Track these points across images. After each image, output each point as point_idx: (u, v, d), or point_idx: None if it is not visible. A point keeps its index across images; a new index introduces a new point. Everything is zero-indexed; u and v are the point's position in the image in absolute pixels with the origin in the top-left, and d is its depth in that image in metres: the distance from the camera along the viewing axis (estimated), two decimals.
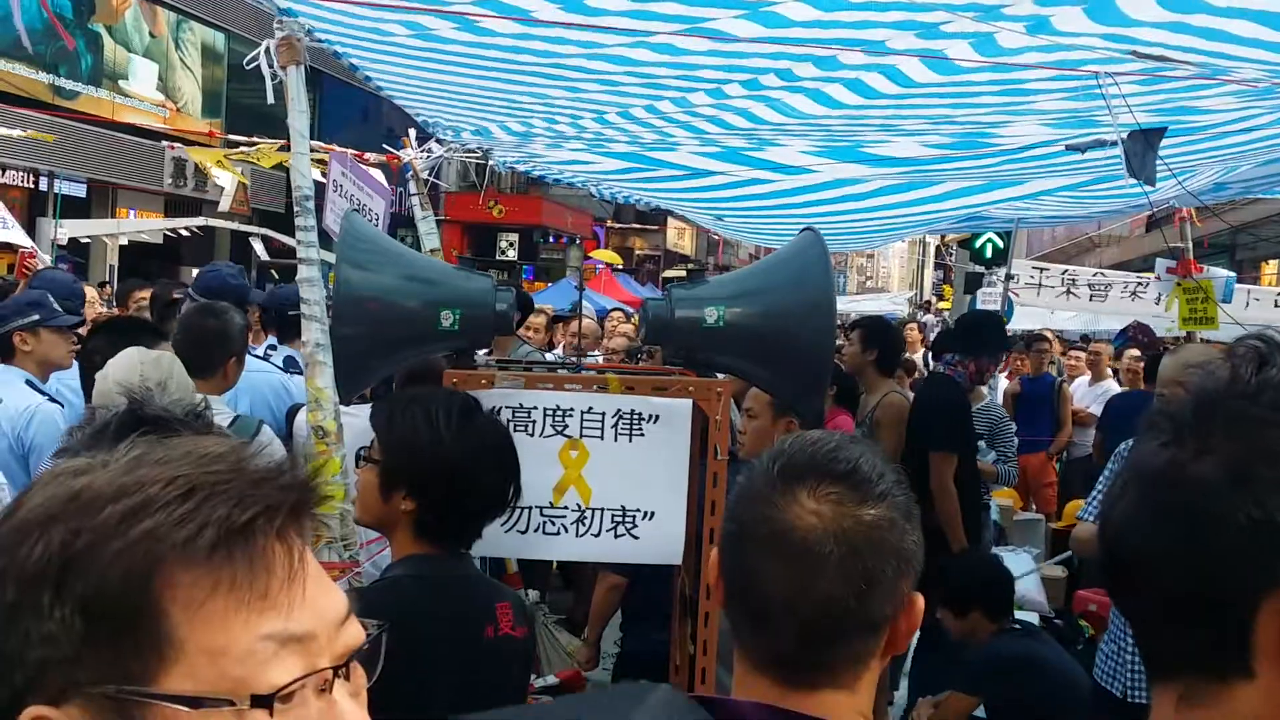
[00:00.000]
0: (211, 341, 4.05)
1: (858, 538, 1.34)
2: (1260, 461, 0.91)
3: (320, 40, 4.31)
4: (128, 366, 3.07)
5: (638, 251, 33.76)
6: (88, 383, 3.71)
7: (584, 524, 3.02)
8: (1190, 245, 9.40)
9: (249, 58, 4.37)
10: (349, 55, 4.56)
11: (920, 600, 1.42)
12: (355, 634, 0.92)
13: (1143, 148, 4.80)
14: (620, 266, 29.16)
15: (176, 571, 0.81)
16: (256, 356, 5.31)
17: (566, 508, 3.02)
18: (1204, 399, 0.97)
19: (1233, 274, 11.00)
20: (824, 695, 1.36)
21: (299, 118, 4.27)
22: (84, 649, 0.80)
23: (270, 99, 4.39)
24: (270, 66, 4.30)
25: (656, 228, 32.73)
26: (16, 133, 12.57)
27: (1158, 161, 4.88)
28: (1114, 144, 4.85)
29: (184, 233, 19.69)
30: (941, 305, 21.13)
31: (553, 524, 3.03)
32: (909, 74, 4.12)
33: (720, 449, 3.05)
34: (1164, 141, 4.82)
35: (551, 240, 30.50)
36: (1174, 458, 0.96)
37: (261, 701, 0.83)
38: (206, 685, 0.82)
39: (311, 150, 7.13)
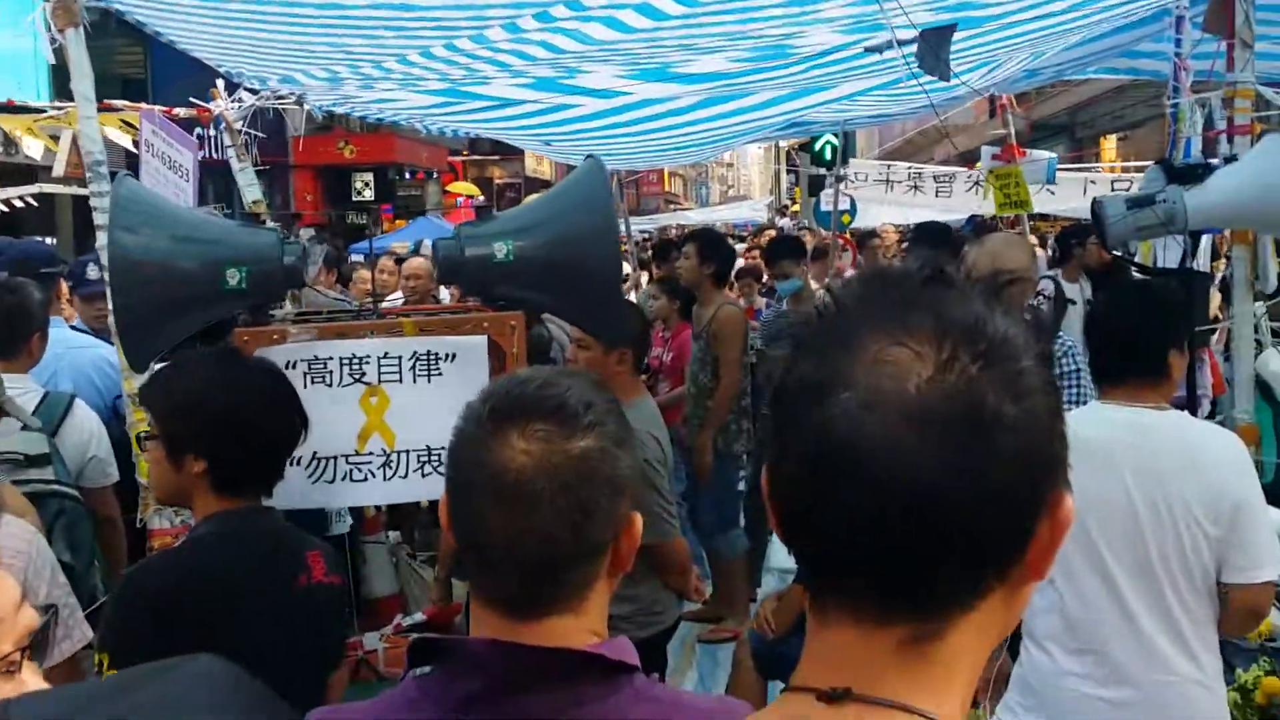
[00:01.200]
0: (11, 319, 3.97)
1: (568, 472, 1.38)
2: None
3: (100, 1, 4.19)
4: None
5: (497, 181, 33.35)
6: None
7: (390, 467, 3.08)
8: (1013, 131, 9.70)
9: (27, 20, 4.24)
10: (133, 13, 4.44)
11: (639, 519, 1.49)
12: (31, 617, 0.98)
13: (935, 45, 4.94)
14: (481, 199, 28.85)
15: None
16: (79, 330, 5.19)
17: (372, 453, 3.07)
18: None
19: (1054, 156, 11.36)
20: (552, 622, 1.41)
21: (82, 81, 4.16)
22: None
23: (50, 59, 4.27)
24: (48, 30, 4.20)
25: (514, 156, 32.38)
26: None
27: (951, 58, 5.03)
28: (911, 42, 4.98)
29: (18, 203, 18.90)
30: (794, 209, 21.43)
31: (359, 470, 3.07)
32: None
33: None
34: (958, 35, 4.96)
35: (409, 177, 29.98)
36: None
37: None
38: None
39: (119, 110, 6.96)
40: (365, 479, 3.05)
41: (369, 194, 28.87)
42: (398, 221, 25.69)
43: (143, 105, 6.53)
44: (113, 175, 4.04)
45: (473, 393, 3.00)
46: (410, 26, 4.29)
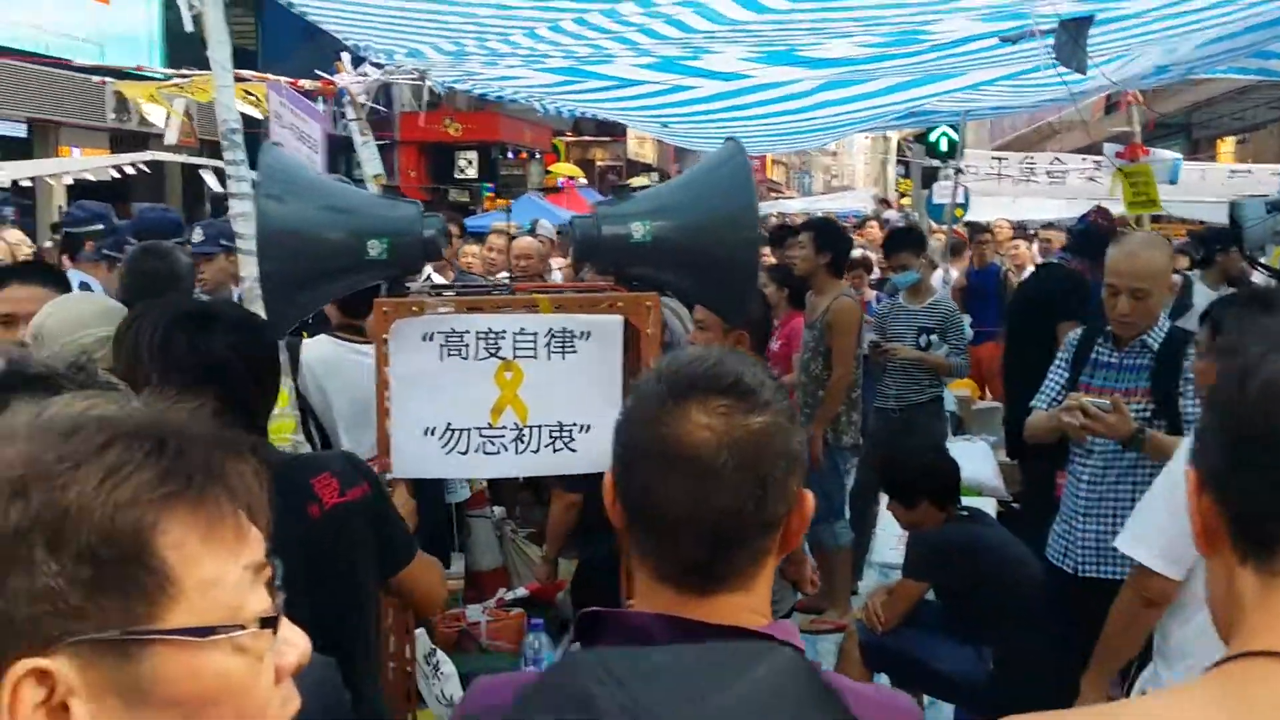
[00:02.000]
0: (159, 284, 4.03)
1: (749, 445, 1.40)
2: None
3: None
4: (75, 319, 3.01)
5: (599, 163, 33.45)
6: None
7: (523, 442, 3.07)
8: (1138, 129, 9.43)
9: None
10: None
11: (809, 496, 1.49)
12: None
13: (1071, 36, 4.81)
14: (583, 180, 28.93)
15: (163, 518, 0.87)
16: None
17: (505, 427, 3.07)
18: None
19: (1179, 156, 11.03)
20: (721, 599, 1.42)
21: (219, 49, 4.20)
22: (90, 598, 0.84)
23: (189, 27, 4.33)
24: None
25: (616, 138, 32.42)
26: None
27: (1088, 49, 4.89)
28: (1047, 34, 4.85)
29: (130, 170, 19.39)
30: (904, 201, 21.07)
31: (492, 444, 3.07)
32: None
33: (652, 363, 3.09)
34: (1095, 29, 4.82)
35: (511, 156, 30.19)
36: None
37: (268, 622, 0.92)
38: (206, 617, 0.88)
39: (244, 80, 7.07)
40: (498, 452, 3.05)
41: (472, 172, 29.15)
42: (499, 200, 25.86)
43: (268, 76, 6.64)
44: (248, 141, 4.10)
45: (607, 370, 3.02)
46: None
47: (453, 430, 3.04)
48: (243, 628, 0.90)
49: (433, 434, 3.03)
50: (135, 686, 0.86)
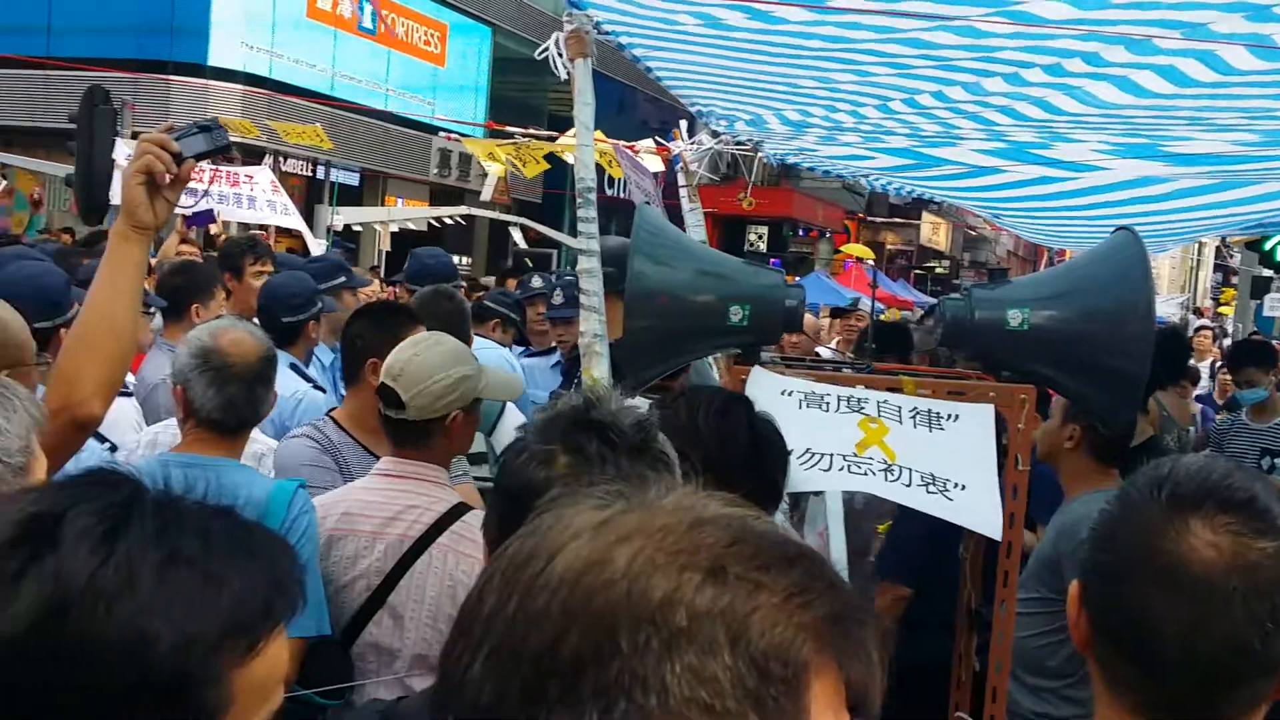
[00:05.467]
0: (452, 324, 4.12)
1: (1261, 573, 1.24)
2: None
3: (606, 33, 4.32)
4: (436, 360, 3.07)
5: (889, 246, 33.07)
6: (350, 367, 3.73)
7: (891, 474, 2.83)
8: None
9: (539, 50, 4.43)
10: (633, 47, 4.56)
11: None
12: None
13: None
14: (871, 262, 28.66)
15: (816, 662, 0.79)
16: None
17: (871, 459, 2.86)
18: None
19: None
20: None
21: (584, 110, 4.29)
22: (742, 705, 0.76)
23: (562, 76, 4.44)
24: (560, 56, 4.37)
25: (910, 222, 32.00)
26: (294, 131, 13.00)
27: None
28: None
29: (448, 221, 20.51)
30: (1222, 310, 19.76)
31: (858, 466, 2.86)
32: (1231, 61, 3.79)
33: (1022, 459, 2.88)
34: None
35: (802, 233, 30.24)
36: None
37: None
38: None
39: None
40: (865, 474, 2.84)
41: (761, 246, 29.39)
42: (787, 277, 25.89)
43: (606, 139, 6.80)
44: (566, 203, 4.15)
45: (979, 447, 2.81)
46: (913, 64, 4.14)
47: (812, 453, 2.85)
48: None
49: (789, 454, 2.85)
50: None
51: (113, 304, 2.17)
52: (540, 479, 1.60)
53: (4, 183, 15.41)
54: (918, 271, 32.82)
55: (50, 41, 18.68)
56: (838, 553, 3.21)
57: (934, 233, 33.25)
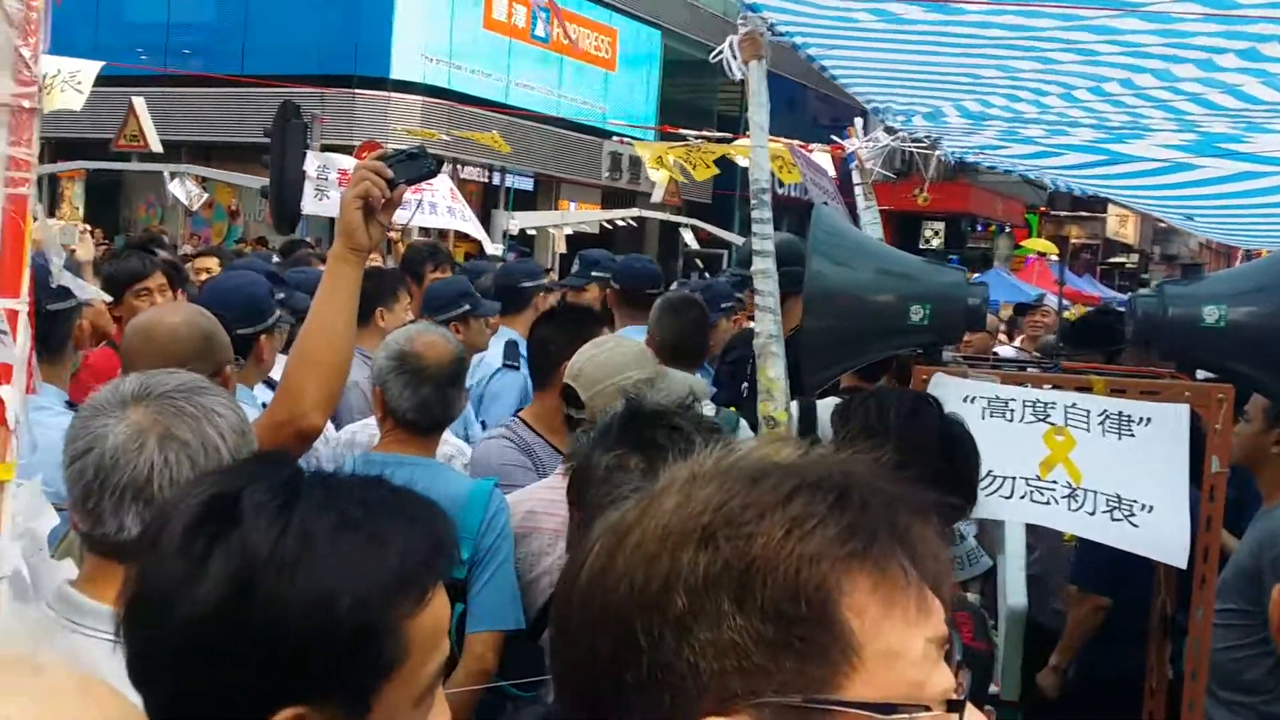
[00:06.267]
0: (699, 332, 4.24)
1: None
2: None
3: (780, 35, 4.32)
4: (614, 363, 3.13)
5: (1074, 240, 32.00)
6: (541, 369, 3.79)
7: (1075, 500, 2.80)
8: None
9: (714, 53, 4.46)
10: (807, 46, 4.54)
11: None
12: None
13: None
14: (1054, 255, 27.78)
15: (845, 580, 0.80)
16: None
17: (1055, 482, 2.82)
18: None
19: None
20: None
21: (759, 111, 4.30)
22: (772, 657, 0.79)
23: (736, 76, 4.47)
24: (734, 59, 4.40)
25: (1095, 214, 30.91)
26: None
27: None
28: None
29: (619, 223, 20.76)
30: None
31: (1040, 494, 2.82)
32: None
33: (1220, 460, 2.77)
34: None
35: (979, 229, 29.54)
36: None
37: (955, 705, 0.81)
38: (887, 691, 0.80)
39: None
40: (1047, 503, 2.81)
41: (937, 242, 28.82)
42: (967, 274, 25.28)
43: (780, 139, 6.79)
44: (774, 204, 4.16)
45: (1171, 457, 2.72)
46: (1100, 50, 4.01)
47: (995, 476, 2.82)
48: (927, 708, 0.80)
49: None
50: None
51: (333, 320, 2.28)
52: (619, 484, 1.64)
53: (205, 196, 16.26)
54: (1103, 266, 31.69)
55: (244, 61, 19.62)
56: (1014, 597, 3.13)
57: (1121, 225, 32.03)
